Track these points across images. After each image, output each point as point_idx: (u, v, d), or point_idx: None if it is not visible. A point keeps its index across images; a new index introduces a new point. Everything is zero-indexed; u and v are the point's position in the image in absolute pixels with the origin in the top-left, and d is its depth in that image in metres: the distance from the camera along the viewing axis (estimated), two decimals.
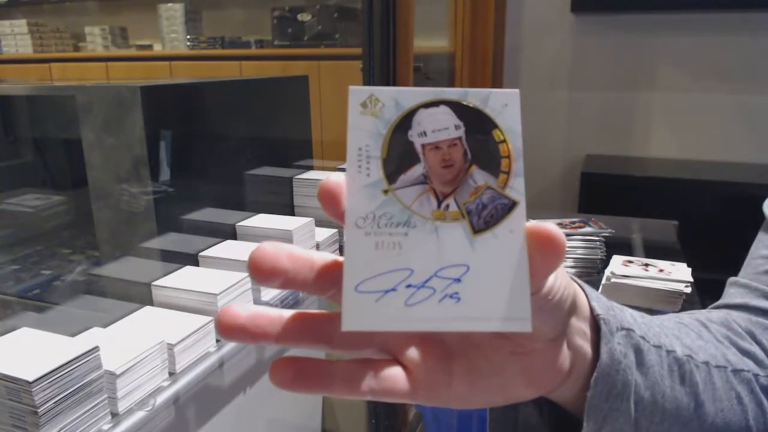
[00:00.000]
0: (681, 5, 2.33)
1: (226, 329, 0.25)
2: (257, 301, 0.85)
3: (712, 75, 2.38)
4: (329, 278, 0.25)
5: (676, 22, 2.38)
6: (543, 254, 0.24)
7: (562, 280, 0.28)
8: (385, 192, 0.24)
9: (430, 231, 0.24)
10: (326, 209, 0.24)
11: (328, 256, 0.26)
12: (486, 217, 0.24)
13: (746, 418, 0.38)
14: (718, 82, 2.38)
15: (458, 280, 0.24)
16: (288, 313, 0.26)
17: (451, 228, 0.24)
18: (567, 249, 0.25)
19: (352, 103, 0.25)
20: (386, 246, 0.24)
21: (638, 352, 0.33)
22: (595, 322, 0.32)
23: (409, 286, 0.24)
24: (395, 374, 0.27)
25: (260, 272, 0.24)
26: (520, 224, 0.24)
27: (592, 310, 0.32)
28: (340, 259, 0.25)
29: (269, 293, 0.88)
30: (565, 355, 0.30)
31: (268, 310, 0.25)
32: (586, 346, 0.31)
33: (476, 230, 0.24)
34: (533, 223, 0.24)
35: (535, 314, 0.24)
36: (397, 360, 0.27)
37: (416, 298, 0.24)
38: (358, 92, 0.25)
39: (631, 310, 0.35)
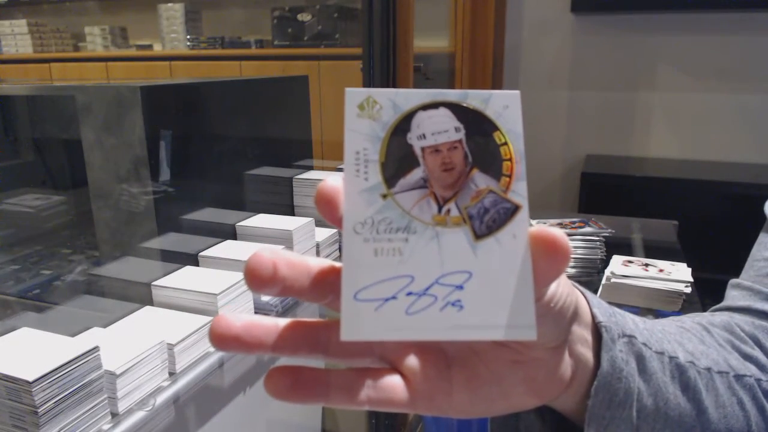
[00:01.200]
0: (681, 5, 2.33)
1: (220, 339, 0.24)
2: (257, 302, 0.85)
3: (712, 75, 2.38)
4: (326, 285, 0.24)
5: (676, 22, 2.38)
6: (547, 259, 0.23)
7: (564, 287, 0.27)
8: (384, 196, 0.23)
9: (431, 237, 0.23)
10: (323, 214, 0.24)
11: (324, 262, 0.25)
12: (488, 222, 0.24)
13: (748, 424, 0.37)
14: (718, 82, 2.37)
15: (460, 288, 0.23)
16: (284, 321, 0.25)
17: (452, 233, 0.24)
18: None
19: (348, 105, 0.24)
20: (386, 252, 0.23)
21: (640, 359, 0.33)
22: (597, 329, 0.31)
23: (409, 293, 0.23)
24: (394, 383, 0.26)
25: (258, 281, 0.23)
26: (523, 229, 0.24)
27: (593, 317, 0.31)
28: (338, 264, 0.24)
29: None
30: (566, 364, 0.30)
31: (263, 319, 0.24)
32: (588, 354, 0.31)
33: (478, 235, 0.24)
34: (537, 227, 0.24)
35: (537, 322, 0.23)
36: (395, 369, 0.27)
37: (417, 306, 0.23)
38: (354, 94, 0.24)
39: (633, 316, 0.35)
